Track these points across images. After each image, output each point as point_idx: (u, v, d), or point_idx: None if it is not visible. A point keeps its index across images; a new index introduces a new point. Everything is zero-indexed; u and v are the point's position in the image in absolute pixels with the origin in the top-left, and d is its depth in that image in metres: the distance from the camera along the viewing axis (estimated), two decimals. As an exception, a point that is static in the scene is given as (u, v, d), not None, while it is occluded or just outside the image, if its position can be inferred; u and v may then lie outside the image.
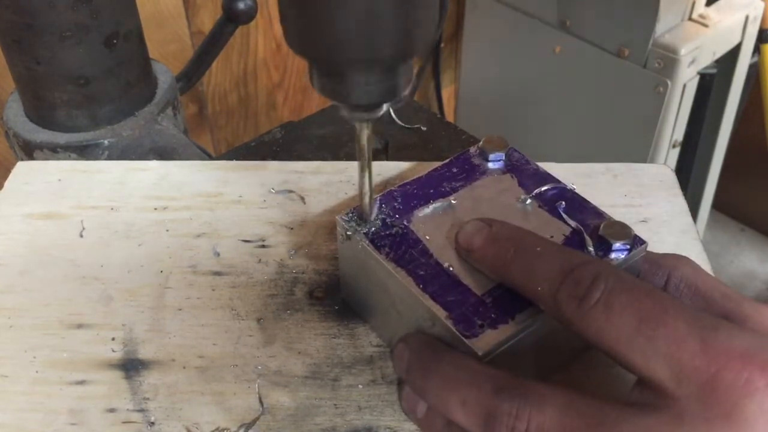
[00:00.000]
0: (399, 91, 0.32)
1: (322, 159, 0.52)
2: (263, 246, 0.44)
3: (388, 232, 0.37)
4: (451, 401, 0.30)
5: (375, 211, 0.37)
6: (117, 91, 0.58)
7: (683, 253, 0.36)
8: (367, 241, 0.36)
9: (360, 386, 0.37)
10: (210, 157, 0.60)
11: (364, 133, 0.34)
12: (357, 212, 0.37)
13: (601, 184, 0.48)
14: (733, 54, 1.25)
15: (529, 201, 0.38)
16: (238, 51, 1.15)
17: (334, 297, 0.41)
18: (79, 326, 0.40)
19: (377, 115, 0.33)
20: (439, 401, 0.31)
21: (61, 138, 0.57)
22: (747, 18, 1.22)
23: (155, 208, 0.46)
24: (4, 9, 0.52)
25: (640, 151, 1.24)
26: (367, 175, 0.36)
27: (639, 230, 0.36)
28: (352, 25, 0.28)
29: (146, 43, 0.60)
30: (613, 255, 0.35)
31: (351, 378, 0.37)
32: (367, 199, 0.37)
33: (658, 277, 0.35)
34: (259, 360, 0.38)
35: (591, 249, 0.35)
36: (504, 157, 0.41)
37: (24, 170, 0.50)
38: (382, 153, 0.61)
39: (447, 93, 1.58)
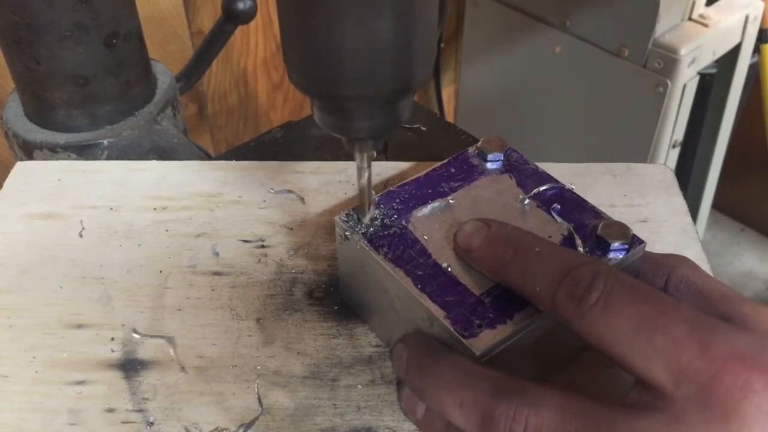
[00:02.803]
0: (399, 123, 0.33)
1: (321, 159, 0.52)
2: (263, 246, 0.44)
3: (386, 233, 0.37)
4: (448, 402, 0.30)
5: (373, 211, 0.38)
6: (117, 91, 0.58)
7: (683, 253, 0.36)
8: (366, 242, 0.36)
9: (359, 386, 0.37)
10: (210, 157, 0.60)
11: (364, 160, 0.35)
12: (355, 212, 0.37)
13: (601, 184, 0.48)
14: (733, 54, 1.25)
15: (527, 201, 0.38)
16: (238, 51, 1.15)
17: (334, 297, 0.41)
18: (79, 326, 0.40)
19: (378, 147, 0.34)
20: (437, 402, 0.31)
21: (60, 138, 0.57)
22: (747, 18, 1.22)
23: (155, 208, 0.46)
24: (4, 9, 0.52)
25: (640, 151, 1.24)
26: (366, 176, 0.36)
27: (638, 230, 0.36)
28: (354, 64, 0.29)
29: (146, 43, 0.60)
30: (611, 255, 0.35)
31: (350, 378, 0.37)
32: (365, 200, 0.37)
33: (658, 277, 0.35)
34: (259, 360, 0.38)
35: (581, 249, 0.35)
36: (502, 158, 0.41)
37: (24, 170, 0.50)
38: (382, 153, 0.61)
39: (447, 93, 1.58)
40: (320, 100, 0.32)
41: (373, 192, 0.38)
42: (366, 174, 0.36)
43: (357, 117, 0.32)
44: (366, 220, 0.37)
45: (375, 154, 0.35)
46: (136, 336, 0.39)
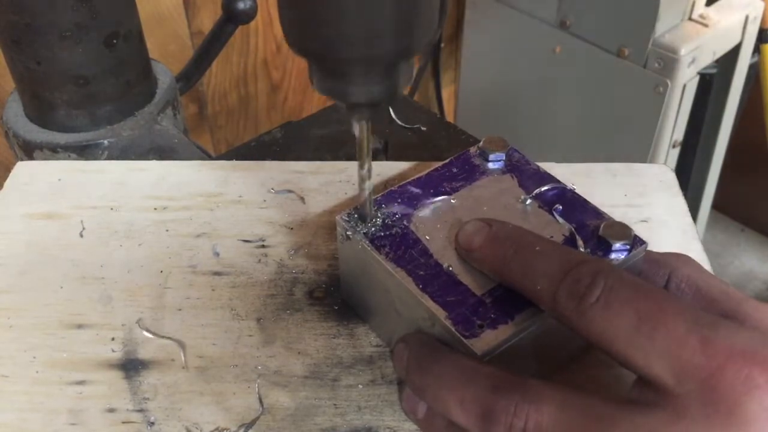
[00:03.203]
0: (399, 89, 0.32)
1: (322, 159, 0.52)
2: (263, 246, 0.44)
3: (387, 232, 0.37)
4: (449, 400, 0.30)
5: (374, 209, 0.37)
6: (117, 91, 0.58)
7: (683, 253, 0.36)
8: (367, 241, 0.36)
9: (360, 386, 0.37)
10: (210, 157, 0.60)
11: (364, 131, 0.34)
12: (357, 212, 0.37)
13: (601, 184, 0.47)
14: (733, 54, 1.25)
15: (529, 201, 0.38)
16: (238, 51, 1.15)
17: (334, 297, 0.41)
18: (79, 326, 0.40)
19: (375, 110, 0.33)
20: (437, 401, 0.31)
21: (61, 138, 0.58)
22: (747, 18, 1.22)
23: (155, 208, 0.46)
24: (4, 9, 0.52)
25: (640, 151, 1.24)
26: (366, 169, 0.36)
27: (639, 230, 0.36)
28: (352, 23, 0.28)
29: (146, 43, 0.60)
30: (613, 255, 0.35)
31: (351, 378, 0.37)
32: (366, 194, 0.36)
33: (659, 276, 0.35)
34: (259, 360, 0.38)
35: (582, 250, 0.35)
36: (504, 158, 0.41)
37: (24, 170, 0.50)
38: (382, 153, 0.61)
39: (447, 93, 1.58)
40: (318, 62, 0.31)
41: (375, 191, 0.37)
42: (365, 144, 0.35)
43: (355, 81, 0.31)
44: (368, 218, 0.37)
45: (380, 147, 0.35)
46: (147, 334, 0.39)
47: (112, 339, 0.39)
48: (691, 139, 1.28)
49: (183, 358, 0.38)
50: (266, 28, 1.16)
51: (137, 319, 0.40)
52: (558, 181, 0.39)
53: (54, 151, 0.57)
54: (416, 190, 0.39)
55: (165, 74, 0.64)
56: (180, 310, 0.40)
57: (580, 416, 0.27)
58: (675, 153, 1.27)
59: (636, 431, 0.26)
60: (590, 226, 0.36)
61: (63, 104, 0.57)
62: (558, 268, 0.30)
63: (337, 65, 0.30)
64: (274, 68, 1.22)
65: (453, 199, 0.39)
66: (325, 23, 0.28)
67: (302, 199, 0.47)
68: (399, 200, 0.39)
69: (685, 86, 1.16)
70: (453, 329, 0.32)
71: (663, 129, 1.20)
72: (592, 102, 1.27)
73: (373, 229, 0.37)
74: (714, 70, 1.20)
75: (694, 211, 1.47)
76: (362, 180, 0.36)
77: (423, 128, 0.63)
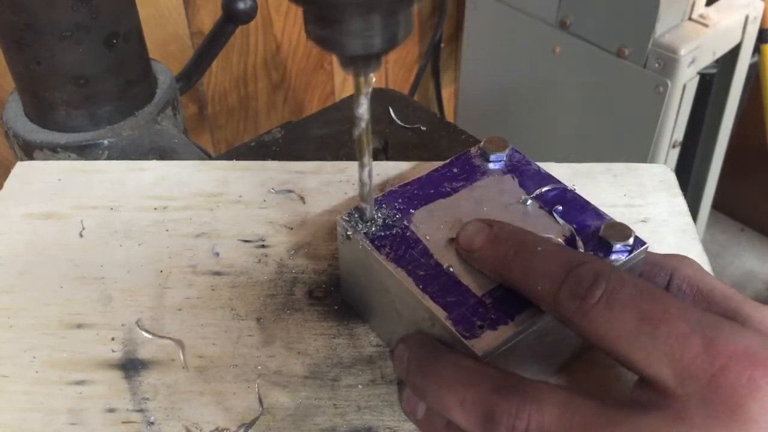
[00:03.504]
0: (397, 40, 0.30)
1: (322, 159, 0.52)
2: (263, 246, 0.44)
3: (388, 232, 0.37)
4: (450, 401, 0.30)
5: (374, 209, 0.37)
6: (117, 91, 0.58)
7: (683, 253, 0.36)
8: (367, 241, 0.36)
9: (360, 386, 0.37)
10: (210, 157, 0.60)
11: (362, 85, 0.33)
12: (357, 212, 0.37)
13: (601, 184, 0.47)
14: (733, 54, 1.25)
15: (529, 202, 0.38)
16: (238, 51, 1.15)
17: (334, 297, 0.41)
18: (79, 326, 0.40)
19: (375, 69, 0.31)
20: (437, 401, 0.31)
21: (61, 138, 0.57)
22: (747, 18, 1.22)
23: (155, 208, 0.46)
24: (4, 9, 0.52)
25: (640, 151, 1.24)
26: (367, 169, 0.35)
27: (639, 230, 0.36)
28: None
29: (146, 43, 0.60)
30: (613, 256, 0.35)
31: (351, 378, 0.37)
32: (366, 195, 0.36)
33: (660, 278, 0.35)
34: (259, 360, 0.38)
35: (582, 251, 0.35)
36: (505, 158, 0.41)
37: (24, 170, 0.49)
38: (382, 153, 0.61)
39: (447, 93, 1.58)
40: (313, 8, 0.30)
41: (375, 191, 0.37)
42: (364, 142, 0.34)
43: (352, 29, 0.29)
44: (369, 215, 0.37)
45: (374, 79, 0.33)
46: (146, 334, 0.39)
47: (112, 339, 0.39)
48: (691, 139, 1.28)
49: (183, 358, 0.38)
50: (266, 28, 1.16)
51: (137, 319, 0.40)
52: (558, 182, 0.39)
53: (54, 151, 0.57)
54: (417, 190, 0.39)
55: (165, 74, 0.64)
56: (180, 310, 0.40)
57: (582, 417, 0.27)
58: (675, 153, 1.27)
59: None
60: (591, 226, 0.36)
61: (63, 104, 0.57)
62: (559, 268, 0.30)
63: (333, 10, 0.29)
64: (274, 68, 1.22)
65: (453, 200, 0.39)
66: None
67: (302, 199, 0.47)
68: (399, 200, 0.39)
69: (685, 86, 1.16)
70: (453, 330, 0.32)
71: (663, 129, 1.20)
72: (592, 102, 1.27)
73: (373, 229, 0.37)
74: (714, 70, 1.20)
75: (694, 211, 1.47)
76: (362, 180, 0.36)
77: (423, 128, 0.63)
